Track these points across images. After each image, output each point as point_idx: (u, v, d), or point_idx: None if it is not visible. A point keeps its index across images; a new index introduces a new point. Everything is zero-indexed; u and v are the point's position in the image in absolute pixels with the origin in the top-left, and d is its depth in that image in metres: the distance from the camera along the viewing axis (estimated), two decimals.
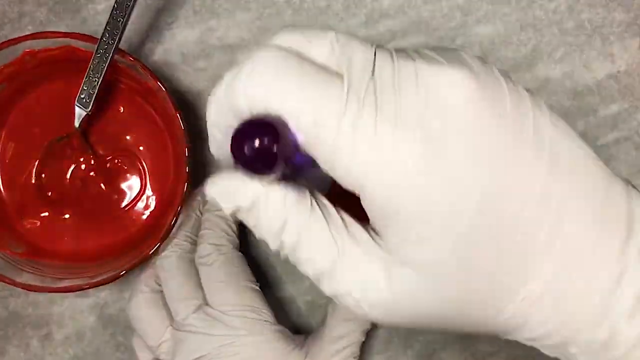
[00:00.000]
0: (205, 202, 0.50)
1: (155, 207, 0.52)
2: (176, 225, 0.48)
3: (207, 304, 0.47)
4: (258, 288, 0.49)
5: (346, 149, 0.27)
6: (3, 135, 0.52)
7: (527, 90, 0.30)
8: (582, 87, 0.55)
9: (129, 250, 0.50)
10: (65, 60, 0.49)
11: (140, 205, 0.52)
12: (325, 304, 0.54)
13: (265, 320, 0.47)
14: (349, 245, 0.30)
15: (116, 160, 0.52)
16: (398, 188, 0.27)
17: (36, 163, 0.52)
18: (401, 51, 0.29)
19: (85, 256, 0.52)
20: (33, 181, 0.52)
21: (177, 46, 0.54)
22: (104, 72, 0.47)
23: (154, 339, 0.48)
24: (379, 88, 0.27)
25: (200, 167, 0.54)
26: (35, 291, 0.47)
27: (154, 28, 0.54)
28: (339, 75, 0.28)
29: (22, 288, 0.47)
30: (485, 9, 0.54)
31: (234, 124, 0.29)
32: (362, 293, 0.29)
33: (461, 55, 0.29)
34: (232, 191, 0.31)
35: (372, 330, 0.49)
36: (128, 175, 0.52)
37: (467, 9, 0.54)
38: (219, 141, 0.32)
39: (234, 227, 0.50)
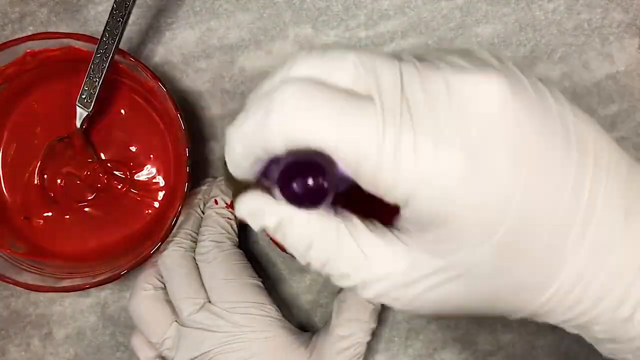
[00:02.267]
0: (206, 200, 0.51)
1: (155, 207, 0.52)
2: (177, 224, 0.48)
3: (210, 301, 0.48)
4: (261, 284, 0.49)
5: (390, 170, 0.27)
6: (5, 136, 0.52)
7: (540, 80, 0.30)
8: (581, 88, 0.55)
9: (130, 249, 0.50)
10: (66, 60, 0.49)
11: (141, 204, 0.52)
12: (326, 303, 0.54)
13: (269, 317, 0.48)
14: (378, 253, 0.30)
15: (117, 161, 0.52)
16: (445, 199, 0.27)
17: (38, 163, 0.52)
18: (424, 60, 0.29)
19: (87, 256, 0.52)
20: (35, 181, 0.52)
21: (177, 47, 0.54)
22: (104, 72, 0.47)
23: (157, 335, 0.48)
24: (412, 105, 0.27)
25: (200, 167, 0.54)
26: (36, 291, 0.47)
27: (154, 29, 0.54)
28: (368, 98, 0.28)
29: (23, 287, 0.47)
30: (485, 10, 0.55)
31: (263, 158, 0.29)
32: (396, 292, 0.30)
33: (479, 55, 0.30)
34: (258, 212, 0.31)
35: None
36: (128, 175, 0.52)
37: (466, 9, 0.54)
38: (243, 168, 0.31)
39: (234, 224, 0.50)
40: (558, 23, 0.55)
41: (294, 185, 0.28)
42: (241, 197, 0.32)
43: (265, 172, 0.31)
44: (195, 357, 0.47)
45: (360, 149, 0.27)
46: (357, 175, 0.28)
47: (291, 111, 0.27)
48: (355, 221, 0.31)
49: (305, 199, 0.28)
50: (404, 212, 0.29)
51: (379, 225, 0.31)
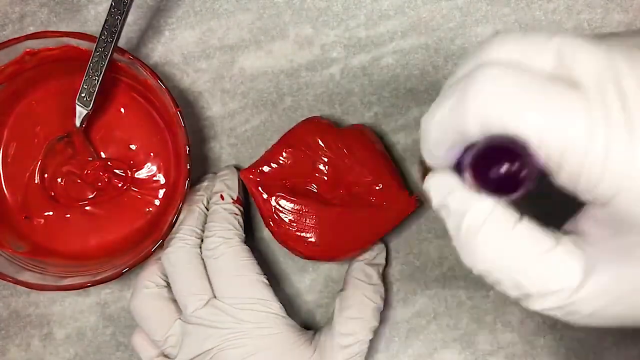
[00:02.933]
0: (210, 196, 0.51)
1: (156, 205, 0.53)
2: (178, 222, 0.48)
3: (215, 296, 0.48)
4: (266, 281, 0.49)
5: (598, 164, 0.25)
6: (5, 135, 0.52)
7: None
8: None
9: (131, 247, 0.50)
10: (66, 59, 0.49)
11: (141, 202, 0.52)
12: (326, 303, 0.54)
13: (274, 314, 0.48)
14: (555, 260, 0.29)
15: (117, 159, 0.52)
16: None
17: (38, 162, 0.52)
18: (629, 49, 0.27)
19: (87, 254, 0.52)
20: (35, 181, 0.52)
21: (177, 47, 0.54)
22: (103, 71, 0.47)
23: (160, 333, 0.48)
24: (625, 97, 0.25)
25: (200, 165, 0.54)
26: (37, 290, 0.47)
27: (154, 29, 0.54)
28: (573, 87, 0.26)
29: (24, 286, 0.47)
30: (485, 10, 0.55)
31: (458, 143, 0.28)
32: (573, 306, 0.29)
33: None
34: (445, 190, 0.30)
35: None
36: (129, 173, 0.52)
37: (466, 9, 0.54)
38: (438, 158, 0.30)
39: (241, 220, 0.50)
40: (558, 23, 0.55)
41: (490, 172, 0.26)
42: (434, 171, 0.31)
43: (458, 163, 0.30)
44: (199, 354, 0.47)
45: (568, 138, 0.25)
46: (558, 167, 0.26)
47: (490, 95, 0.26)
48: (530, 221, 0.29)
49: (500, 186, 0.26)
50: (599, 213, 0.27)
51: (549, 228, 0.30)
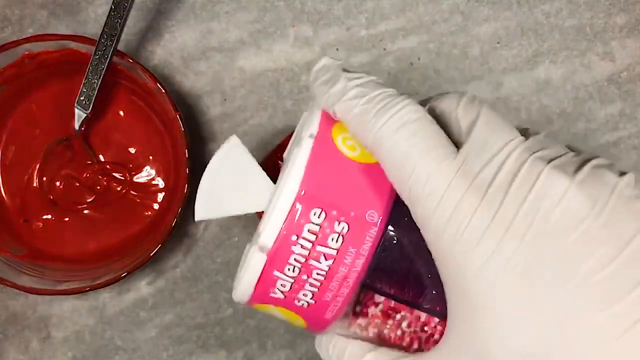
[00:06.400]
0: None
1: (155, 209, 0.52)
2: (177, 226, 0.48)
3: None
4: None
5: (443, 219, 0.26)
6: (4, 138, 0.52)
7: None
8: (583, 90, 0.55)
9: (130, 252, 0.50)
10: (65, 62, 0.49)
11: (141, 206, 0.52)
12: None
13: None
14: None
15: (116, 162, 0.52)
16: (493, 285, 0.26)
17: (37, 166, 0.52)
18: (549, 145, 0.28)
19: (86, 258, 0.52)
20: (34, 184, 0.52)
21: (177, 49, 0.54)
22: (103, 74, 0.47)
23: None
24: (495, 174, 0.26)
25: (199, 168, 0.53)
26: (35, 293, 0.47)
27: (154, 31, 0.54)
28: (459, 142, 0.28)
29: (23, 290, 0.47)
30: (487, 13, 0.54)
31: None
32: None
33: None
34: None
35: None
36: (128, 177, 0.52)
37: (467, 12, 0.54)
38: None
39: None
40: (560, 27, 0.55)
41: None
42: None
43: None
44: None
45: (428, 180, 0.27)
46: (414, 206, 0.28)
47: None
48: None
49: None
50: (443, 277, 0.28)
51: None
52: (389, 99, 0.29)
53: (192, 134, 0.53)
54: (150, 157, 0.52)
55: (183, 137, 0.47)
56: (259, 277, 0.30)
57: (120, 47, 0.48)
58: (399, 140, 0.28)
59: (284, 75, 0.54)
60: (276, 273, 0.30)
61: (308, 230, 0.29)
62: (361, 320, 0.32)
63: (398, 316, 0.31)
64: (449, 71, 0.54)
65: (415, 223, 0.28)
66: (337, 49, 0.54)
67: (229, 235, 0.54)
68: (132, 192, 0.52)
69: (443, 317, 0.30)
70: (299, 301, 0.31)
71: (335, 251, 0.29)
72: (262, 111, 0.54)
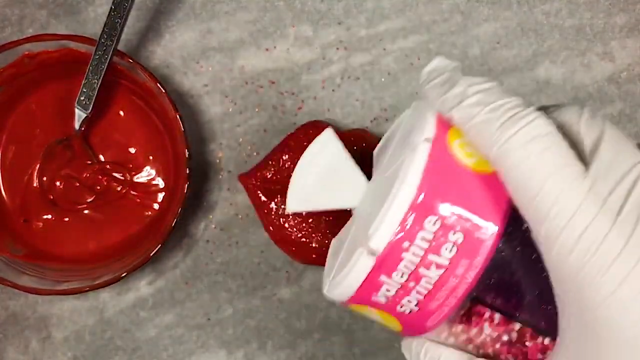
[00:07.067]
0: None
1: (155, 209, 0.52)
2: (177, 226, 0.48)
3: None
4: None
5: (570, 241, 0.25)
6: (4, 138, 0.52)
7: None
8: (582, 90, 0.55)
9: (130, 252, 0.50)
10: (65, 62, 0.49)
11: (141, 206, 0.52)
12: (325, 307, 0.54)
13: None
14: None
15: (116, 162, 0.52)
16: (623, 314, 0.25)
17: (37, 166, 0.52)
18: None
19: (86, 258, 0.52)
20: (34, 184, 0.52)
21: (177, 48, 0.54)
22: (103, 74, 0.47)
23: None
24: (626, 198, 0.25)
25: (199, 168, 0.54)
26: (35, 293, 0.47)
27: (154, 31, 0.54)
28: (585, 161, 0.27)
29: (23, 290, 0.47)
30: (487, 13, 0.54)
31: None
32: None
33: None
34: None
35: (372, 332, 0.49)
36: (128, 177, 0.52)
37: (467, 12, 0.54)
38: None
39: None
40: (560, 27, 0.55)
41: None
42: None
43: None
44: None
45: (556, 202, 0.26)
46: (536, 223, 0.27)
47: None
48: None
49: None
50: (561, 298, 0.27)
51: None
52: (517, 109, 0.28)
53: (192, 134, 0.53)
54: (150, 157, 0.52)
55: (183, 137, 0.47)
56: (364, 280, 0.30)
57: (120, 47, 0.48)
58: (527, 155, 0.27)
59: (284, 75, 0.54)
60: (383, 278, 0.29)
61: (422, 238, 0.28)
62: (460, 329, 0.31)
63: (500, 329, 0.30)
64: None
65: (530, 239, 0.27)
66: (337, 49, 0.54)
67: (229, 235, 0.54)
68: (132, 192, 0.52)
69: (548, 334, 0.29)
70: (401, 307, 0.30)
71: (448, 261, 0.29)
72: (262, 111, 0.54)
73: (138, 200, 0.52)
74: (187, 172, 0.47)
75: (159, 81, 0.47)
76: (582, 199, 0.25)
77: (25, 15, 0.54)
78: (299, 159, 0.49)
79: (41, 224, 0.52)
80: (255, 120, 0.54)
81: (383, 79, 0.54)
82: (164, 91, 0.47)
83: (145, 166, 0.52)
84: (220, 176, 0.54)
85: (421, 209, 0.28)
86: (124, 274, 0.46)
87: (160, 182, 0.52)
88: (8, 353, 0.53)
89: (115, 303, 0.54)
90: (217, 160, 0.54)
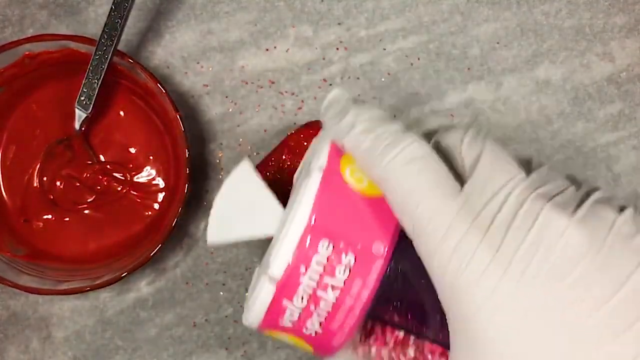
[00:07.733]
0: None
1: (155, 209, 0.52)
2: (177, 226, 0.48)
3: None
4: None
5: (445, 256, 0.27)
6: (4, 138, 0.52)
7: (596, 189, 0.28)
8: (582, 90, 0.55)
9: (130, 252, 0.50)
10: (65, 62, 0.49)
11: (141, 206, 0.52)
12: None
13: None
14: None
15: (116, 162, 0.52)
16: (492, 324, 0.26)
17: (37, 166, 0.52)
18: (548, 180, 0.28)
19: (86, 258, 0.52)
20: (34, 184, 0.52)
21: (177, 49, 0.54)
22: (103, 74, 0.47)
23: None
24: (497, 212, 0.27)
25: (199, 168, 0.54)
26: (36, 293, 0.47)
27: (154, 31, 0.54)
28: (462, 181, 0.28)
29: (23, 290, 0.47)
30: (487, 14, 0.54)
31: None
32: None
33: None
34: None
35: None
36: (128, 177, 0.52)
37: (467, 12, 0.54)
38: None
39: None
40: (560, 27, 0.55)
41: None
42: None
43: None
44: None
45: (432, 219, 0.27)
46: (416, 240, 0.28)
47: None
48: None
49: None
50: (447, 308, 0.28)
51: None
52: (396, 135, 0.30)
53: (192, 134, 0.54)
54: (150, 157, 0.52)
55: (183, 137, 0.47)
56: (269, 307, 0.31)
57: (120, 47, 0.48)
58: (404, 177, 0.28)
59: (284, 75, 0.54)
60: (285, 303, 0.30)
61: (316, 262, 0.30)
62: (367, 348, 0.32)
63: (403, 345, 0.32)
64: (448, 71, 0.54)
65: (419, 256, 0.28)
66: (337, 49, 0.54)
67: None
68: (132, 192, 0.52)
69: (447, 346, 0.30)
70: (306, 329, 0.31)
71: (342, 282, 0.30)
72: (262, 111, 0.54)
73: (138, 200, 0.52)
74: (187, 172, 0.47)
75: (159, 81, 0.47)
76: (453, 216, 0.27)
77: (25, 16, 0.54)
78: (299, 159, 0.49)
79: (41, 223, 0.52)
80: (255, 120, 0.54)
81: (383, 79, 0.54)
82: (164, 91, 0.47)
83: (145, 166, 0.52)
84: (220, 176, 0.54)
85: (314, 234, 0.30)
86: (124, 274, 0.47)
87: (160, 182, 0.52)
88: (9, 353, 0.54)
89: (115, 303, 0.54)
90: (217, 160, 0.54)
